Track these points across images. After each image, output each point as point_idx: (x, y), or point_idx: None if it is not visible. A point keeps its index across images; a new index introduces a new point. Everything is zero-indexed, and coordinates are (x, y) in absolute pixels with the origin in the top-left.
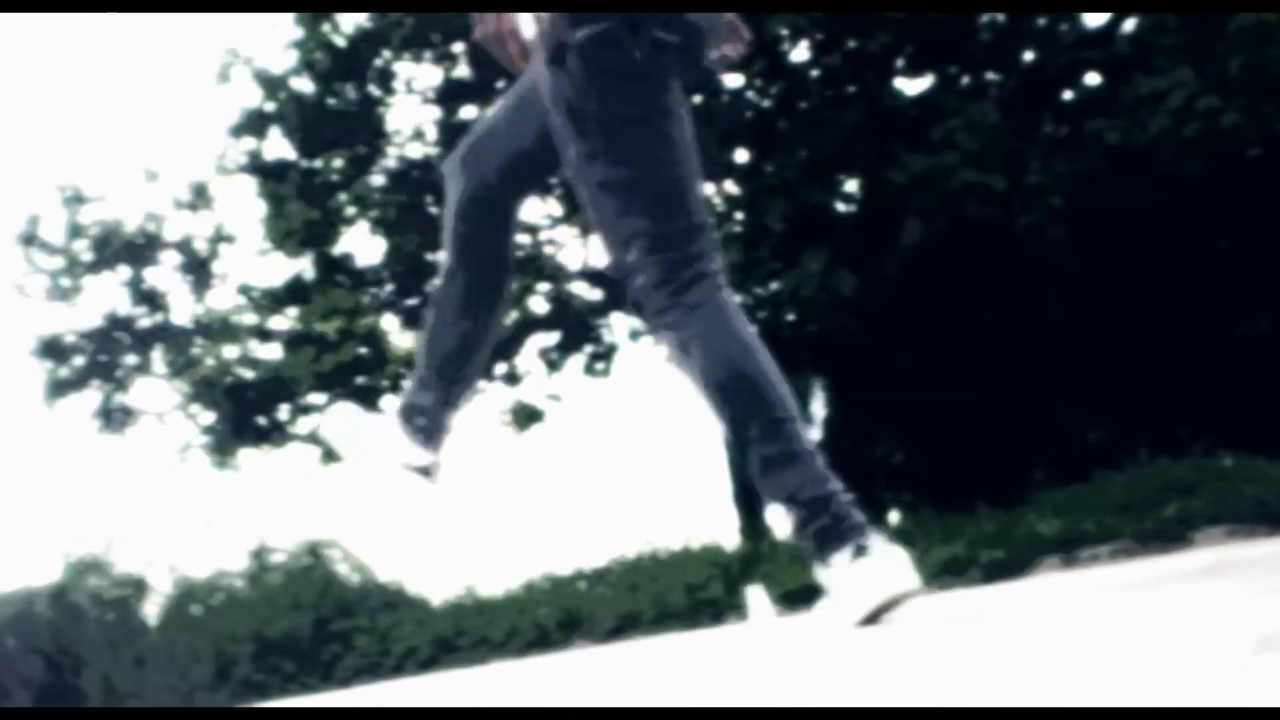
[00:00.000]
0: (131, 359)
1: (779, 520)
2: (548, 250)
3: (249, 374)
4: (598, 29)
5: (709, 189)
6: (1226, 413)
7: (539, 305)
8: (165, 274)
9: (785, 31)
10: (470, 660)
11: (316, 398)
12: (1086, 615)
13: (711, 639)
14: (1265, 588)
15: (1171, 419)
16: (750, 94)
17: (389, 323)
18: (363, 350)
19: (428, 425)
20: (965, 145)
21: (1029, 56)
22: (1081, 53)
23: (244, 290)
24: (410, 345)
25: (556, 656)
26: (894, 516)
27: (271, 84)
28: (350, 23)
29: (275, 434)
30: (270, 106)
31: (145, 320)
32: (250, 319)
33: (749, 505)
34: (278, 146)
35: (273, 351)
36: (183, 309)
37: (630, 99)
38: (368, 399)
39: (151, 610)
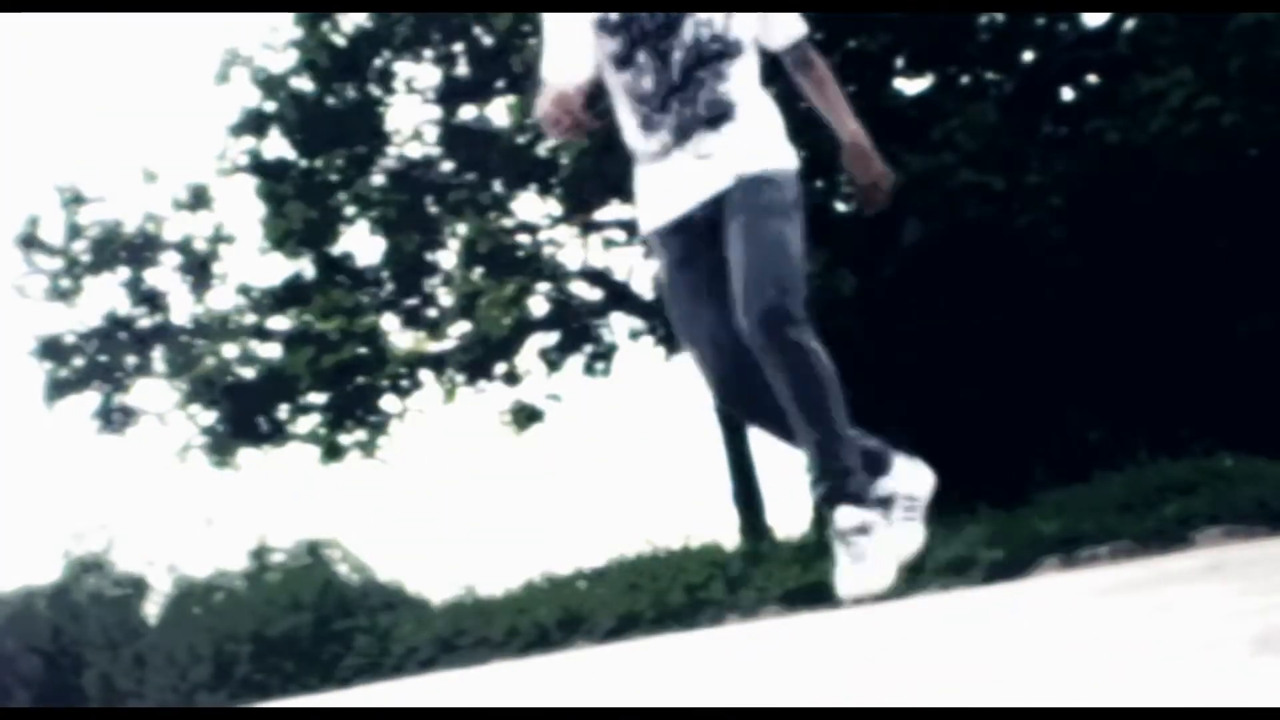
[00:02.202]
0: (131, 359)
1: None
2: (547, 250)
3: (249, 373)
4: None
5: None
6: (1226, 413)
7: (539, 305)
8: (165, 274)
9: None
10: (470, 660)
11: (316, 397)
12: (1086, 615)
13: (711, 639)
14: (1265, 588)
15: (1171, 419)
16: None
17: (389, 322)
18: (363, 350)
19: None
20: (965, 145)
21: (1029, 56)
22: (1081, 53)
23: (244, 290)
24: (410, 345)
25: (556, 656)
26: None
27: (271, 84)
28: (350, 22)
29: (275, 434)
30: (270, 106)
31: (145, 320)
32: (250, 319)
33: (749, 505)
34: (278, 146)
35: (272, 351)
36: (183, 309)
37: None
38: (368, 399)
39: (151, 610)
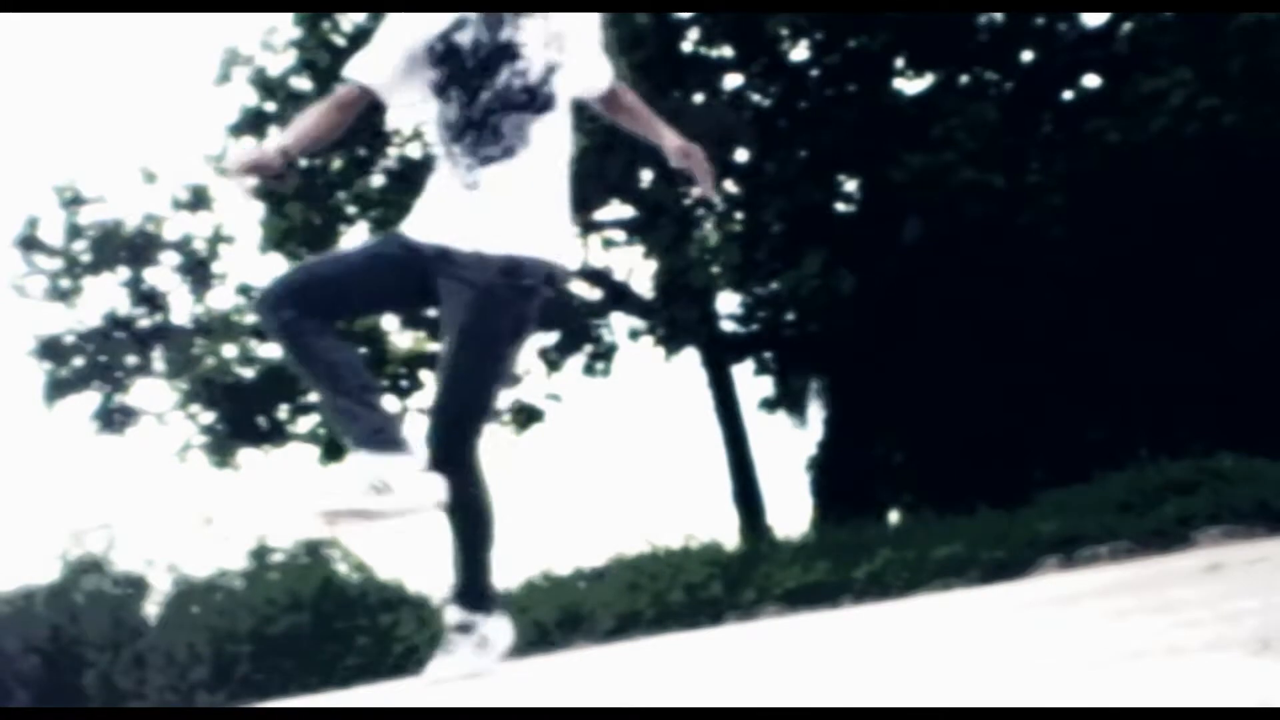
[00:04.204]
0: (131, 359)
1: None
2: None
3: (249, 373)
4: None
5: None
6: (1226, 413)
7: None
8: (165, 274)
9: (785, 31)
10: None
11: (316, 397)
12: (1086, 615)
13: (711, 639)
14: (1265, 588)
15: (1171, 419)
16: (750, 93)
17: (389, 322)
18: (362, 350)
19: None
20: (965, 144)
21: (1029, 56)
22: (1081, 53)
23: (244, 290)
24: (410, 345)
25: (556, 656)
26: (894, 516)
27: (270, 84)
28: (350, 22)
29: (275, 434)
30: (270, 106)
31: (145, 320)
32: (250, 318)
33: (749, 505)
34: None
35: (273, 351)
36: (183, 309)
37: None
38: None
39: (151, 610)
